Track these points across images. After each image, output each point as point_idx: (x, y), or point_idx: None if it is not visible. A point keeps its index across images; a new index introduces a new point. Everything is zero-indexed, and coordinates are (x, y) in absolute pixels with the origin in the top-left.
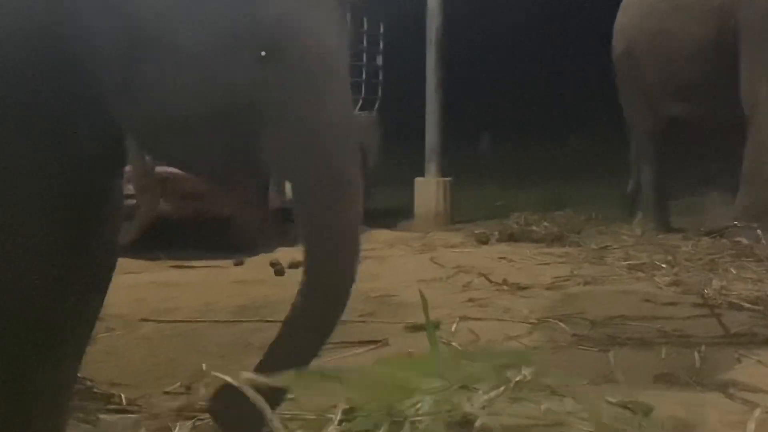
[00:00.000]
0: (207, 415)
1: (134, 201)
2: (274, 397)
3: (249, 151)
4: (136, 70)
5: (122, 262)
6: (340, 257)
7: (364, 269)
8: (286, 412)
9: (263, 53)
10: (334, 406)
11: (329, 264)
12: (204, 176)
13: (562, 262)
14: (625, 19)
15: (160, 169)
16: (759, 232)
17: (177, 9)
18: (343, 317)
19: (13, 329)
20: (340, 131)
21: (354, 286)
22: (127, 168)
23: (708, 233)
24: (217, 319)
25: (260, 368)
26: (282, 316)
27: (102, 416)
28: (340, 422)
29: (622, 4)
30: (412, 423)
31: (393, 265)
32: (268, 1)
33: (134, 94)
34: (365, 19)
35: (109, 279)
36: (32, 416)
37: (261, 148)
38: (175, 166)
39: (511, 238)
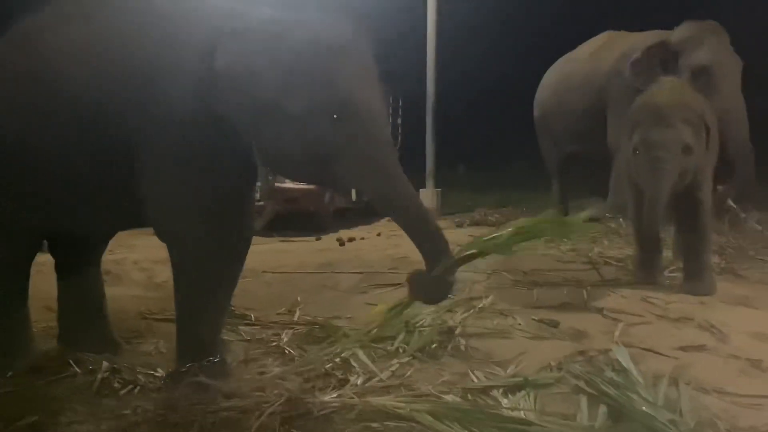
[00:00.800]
0: (300, 327)
1: (262, 203)
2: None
3: (330, 170)
4: (264, 129)
5: (253, 239)
6: (411, 201)
7: (390, 243)
8: (335, 320)
9: (335, 116)
10: (371, 322)
11: (404, 204)
12: (307, 183)
13: None
14: (540, 95)
15: (276, 185)
16: (621, 220)
17: (285, 93)
18: (377, 270)
19: (209, 266)
20: (386, 155)
21: (387, 252)
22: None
23: (591, 220)
24: (306, 271)
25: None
26: (344, 270)
27: (240, 327)
28: (378, 329)
29: (539, 86)
30: (420, 332)
31: (407, 241)
32: (339, 85)
33: (264, 141)
34: (391, 97)
35: (248, 247)
36: (215, 320)
37: (338, 169)
38: (291, 179)
39: (476, 224)
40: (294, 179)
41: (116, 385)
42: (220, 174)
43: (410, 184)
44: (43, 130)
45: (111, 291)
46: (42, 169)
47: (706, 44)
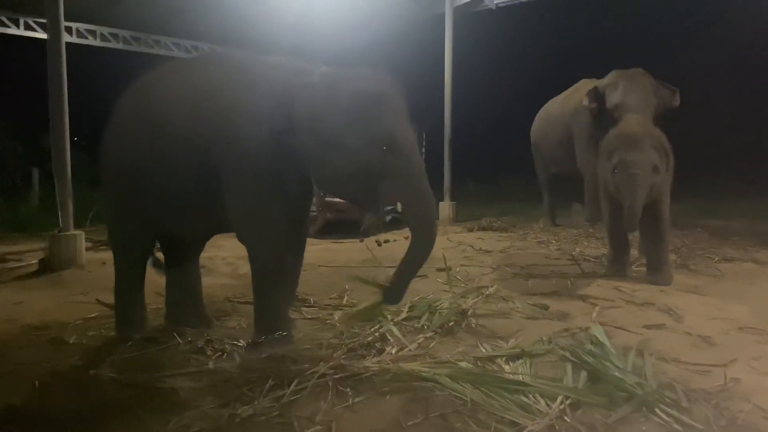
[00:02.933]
0: (347, 308)
1: (316, 213)
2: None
3: (376, 190)
4: (326, 158)
5: (310, 240)
6: (432, 227)
7: None
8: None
9: (384, 148)
10: (404, 305)
11: (428, 232)
12: (352, 201)
13: (506, 239)
14: (533, 128)
15: (327, 199)
16: (597, 226)
17: (345, 131)
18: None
19: (277, 261)
20: (420, 177)
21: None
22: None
23: (573, 226)
24: (352, 265)
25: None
26: (381, 264)
27: (302, 308)
28: (409, 310)
29: (534, 121)
30: (440, 313)
31: None
32: (384, 125)
33: (324, 167)
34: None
35: (304, 246)
36: (283, 302)
37: (381, 188)
38: (338, 197)
39: (483, 229)
40: (341, 197)
41: (209, 352)
42: (285, 193)
43: (434, 199)
44: (155, 159)
45: (205, 280)
46: (158, 188)
47: (620, 87)
